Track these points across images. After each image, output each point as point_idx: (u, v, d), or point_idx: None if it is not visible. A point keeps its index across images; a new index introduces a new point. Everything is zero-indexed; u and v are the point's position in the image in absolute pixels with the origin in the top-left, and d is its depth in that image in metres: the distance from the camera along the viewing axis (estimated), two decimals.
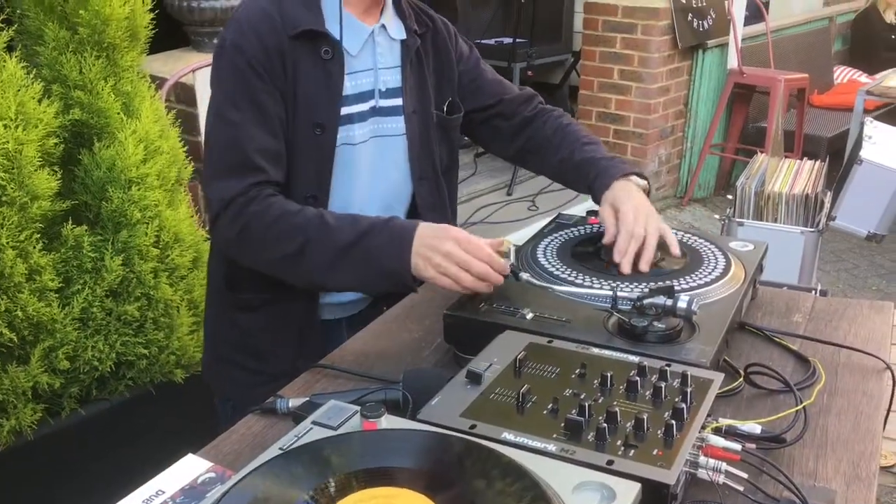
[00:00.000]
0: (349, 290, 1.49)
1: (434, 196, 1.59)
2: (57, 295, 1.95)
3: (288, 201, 1.37)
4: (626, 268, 1.36)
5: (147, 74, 2.25)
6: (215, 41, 3.05)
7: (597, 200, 1.53)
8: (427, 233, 1.30)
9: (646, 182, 1.54)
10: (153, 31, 2.20)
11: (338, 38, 1.39)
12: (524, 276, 1.32)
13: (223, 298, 1.55)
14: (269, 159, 1.37)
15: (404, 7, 1.51)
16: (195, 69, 2.76)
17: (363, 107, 1.45)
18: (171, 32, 3.00)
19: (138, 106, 2.09)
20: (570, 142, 1.61)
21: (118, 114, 2.04)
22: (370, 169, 1.49)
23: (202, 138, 2.91)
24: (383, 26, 1.46)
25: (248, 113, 1.35)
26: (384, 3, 1.47)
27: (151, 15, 2.16)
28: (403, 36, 1.49)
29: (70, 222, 2.00)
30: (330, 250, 1.31)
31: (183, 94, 2.91)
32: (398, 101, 1.49)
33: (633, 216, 1.41)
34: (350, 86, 1.43)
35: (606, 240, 1.43)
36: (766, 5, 5.92)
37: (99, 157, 2.02)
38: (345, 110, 1.42)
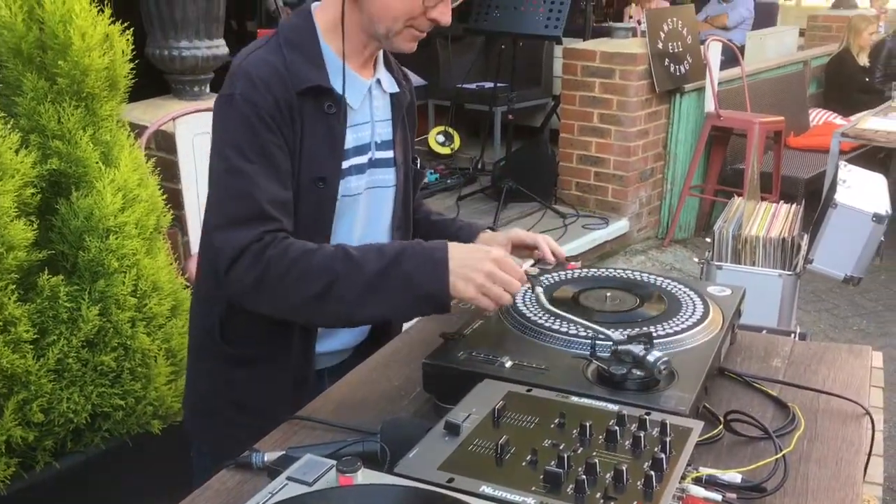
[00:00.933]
0: (378, 321, 1.49)
1: None
2: (32, 346, 1.92)
3: (304, 242, 1.34)
4: (548, 254, 1.55)
5: (127, 123, 2.25)
6: (198, 88, 3.09)
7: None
8: (462, 253, 1.32)
9: None
10: (134, 80, 2.21)
11: (341, 92, 1.42)
12: (538, 289, 1.36)
13: (214, 351, 1.51)
14: (281, 210, 1.36)
15: (391, 61, 1.56)
16: (175, 117, 2.76)
17: (362, 159, 1.48)
18: (152, 80, 3.02)
19: (117, 155, 2.09)
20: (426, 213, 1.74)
21: (97, 163, 2.04)
22: (364, 220, 1.52)
23: (182, 186, 2.92)
24: (378, 80, 1.50)
25: (259, 165, 1.35)
26: (378, 57, 1.50)
27: (132, 64, 2.17)
28: (395, 89, 1.53)
29: (46, 272, 1.98)
30: (360, 283, 1.29)
31: (163, 142, 2.91)
32: (390, 154, 1.53)
33: (519, 234, 1.58)
34: (351, 139, 1.45)
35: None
36: (742, 50, 6.05)
37: (77, 206, 2.01)
38: (345, 163, 1.44)
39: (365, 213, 1.51)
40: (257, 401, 1.49)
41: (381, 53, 1.51)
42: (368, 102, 1.48)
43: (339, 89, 1.42)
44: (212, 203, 1.40)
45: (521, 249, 1.65)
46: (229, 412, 1.53)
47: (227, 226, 1.34)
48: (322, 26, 1.43)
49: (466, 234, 1.67)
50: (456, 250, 1.31)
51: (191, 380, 1.63)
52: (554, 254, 1.59)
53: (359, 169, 1.47)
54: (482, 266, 1.29)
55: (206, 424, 1.59)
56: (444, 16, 1.38)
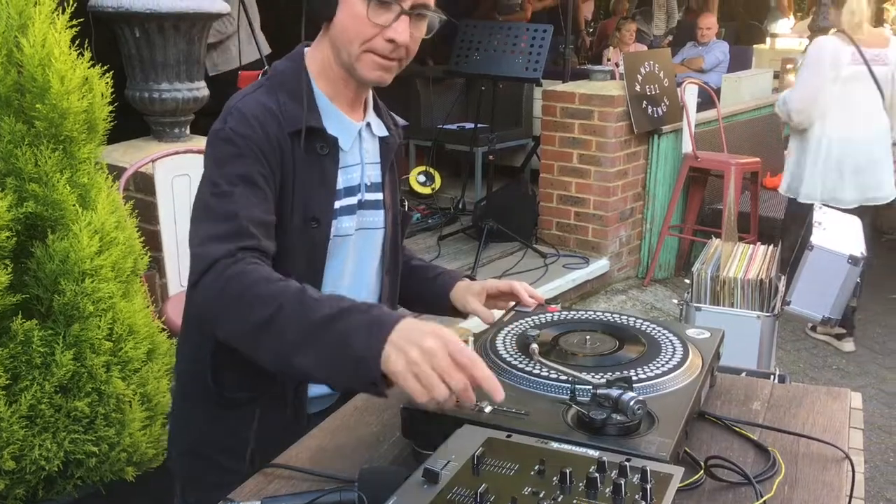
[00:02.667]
0: (313, 378, 1.32)
1: (393, 290, 1.63)
2: (3, 392, 1.89)
3: (272, 271, 1.29)
4: (527, 300, 1.57)
5: (105, 165, 2.24)
6: (178, 130, 3.09)
7: (439, 293, 1.66)
8: (411, 325, 1.12)
9: None
10: (113, 122, 2.20)
11: (333, 133, 1.45)
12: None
13: (205, 395, 1.49)
14: (261, 230, 1.35)
15: (381, 106, 1.59)
16: (155, 159, 2.76)
17: (352, 200, 1.50)
18: (131, 122, 3.02)
19: (94, 197, 2.08)
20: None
21: (73, 205, 2.02)
22: (355, 261, 1.53)
23: (161, 227, 2.91)
24: (368, 124, 1.52)
25: (245, 189, 1.35)
26: (366, 101, 1.53)
27: (111, 107, 2.17)
28: (384, 133, 1.56)
29: (20, 316, 1.95)
30: (303, 323, 1.17)
31: (142, 183, 2.90)
32: (380, 196, 1.55)
33: (493, 283, 1.60)
34: (342, 180, 1.47)
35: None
36: (718, 92, 6.15)
37: (52, 249, 1.99)
38: (337, 204, 1.46)
39: (355, 254, 1.52)
40: (249, 446, 1.47)
41: (370, 98, 1.54)
42: (358, 145, 1.50)
43: (331, 131, 1.44)
44: (194, 226, 1.37)
45: (498, 299, 1.66)
46: (221, 457, 1.50)
47: (206, 241, 1.32)
48: (313, 70, 1.46)
49: (444, 282, 1.69)
50: (411, 321, 1.13)
51: (179, 425, 1.59)
52: (532, 297, 1.59)
53: (349, 210, 1.49)
54: (422, 341, 1.08)
55: (196, 470, 1.55)
56: (400, 34, 1.36)
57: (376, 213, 1.55)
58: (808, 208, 4.08)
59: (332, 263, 1.48)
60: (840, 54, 4.12)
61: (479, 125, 5.56)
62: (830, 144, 4.20)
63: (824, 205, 4.02)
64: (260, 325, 1.20)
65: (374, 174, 1.54)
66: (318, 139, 1.43)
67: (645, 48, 7.79)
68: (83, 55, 2.10)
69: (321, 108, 1.45)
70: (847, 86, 4.14)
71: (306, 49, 1.49)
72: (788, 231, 4.43)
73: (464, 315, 1.68)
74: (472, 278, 1.70)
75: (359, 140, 1.50)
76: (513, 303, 1.63)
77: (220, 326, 1.27)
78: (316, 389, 1.53)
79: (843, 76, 4.13)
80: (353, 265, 1.53)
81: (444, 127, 6.05)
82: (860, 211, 4.12)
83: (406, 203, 1.68)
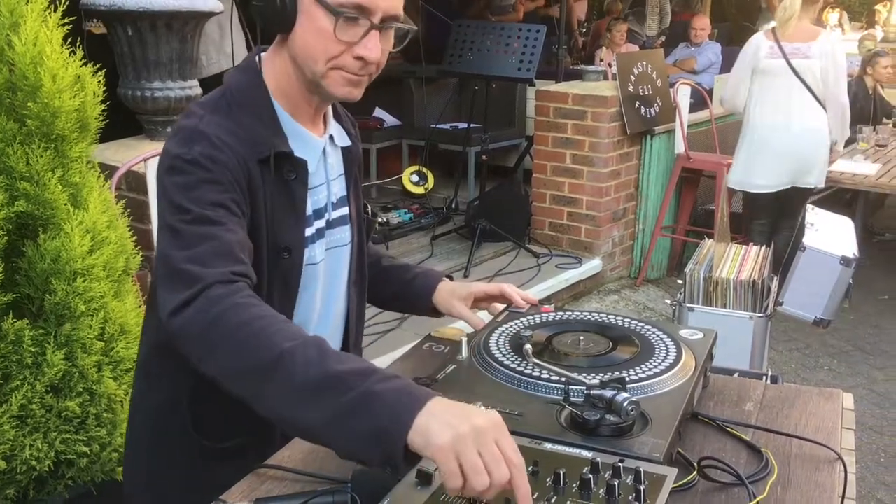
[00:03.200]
0: (313, 437, 1.07)
1: (360, 301, 1.55)
2: None
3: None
4: (519, 301, 1.55)
5: (97, 164, 2.23)
6: (171, 129, 3.07)
7: (418, 296, 1.63)
8: (449, 402, 1.00)
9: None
10: (105, 120, 2.19)
11: (301, 156, 1.33)
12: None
13: (183, 441, 1.34)
14: (248, 255, 1.23)
15: (339, 110, 1.48)
16: (147, 158, 2.75)
17: (321, 223, 1.41)
18: (124, 120, 3.00)
19: (86, 196, 2.07)
20: (374, 254, 1.67)
21: (65, 205, 2.01)
22: (325, 283, 1.44)
23: (153, 226, 2.90)
24: (331, 136, 1.42)
25: (224, 213, 1.21)
26: (328, 111, 1.42)
27: (103, 106, 2.16)
28: (347, 143, 1.46)
29: (11, 316, 1.94)
30: (313, 372, 1.02)
31: (134, 182, 2.89)
32: (346, 210, 1.46)
33: (481, 287, 1.59)
34: (310, 203, 1.37)
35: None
36: (710, 93, 6.17)
37: (43, 248, 1.97)
38: (308, 230, 1.37)
39: (326, 277, 1.43)
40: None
41: (329, 108, 1.43)
42: (323, 161, 1.40)
43: (297, 152, 1.33)
44: (167, 254, 1.19)
45: (484, 301, 1.63)
46: None
47: (191, 261, 1.15)
48: (271, 85, 1.33)
49: (424, 283, 1.62)
50: (444, 401, 0.99)
51: (145, 471, 1.41)
52: (525, 299, 1.58)
53: (319, 234, 1.40)
54: (473, 418, 0.96)
55: None
56: (370, 52, 1.24)
57: (343, 229, 1.46)
58: (747, 196, 4.73)
59: (304, 293, 1.38)
60: (760, 49, 4.56)
61: (472, 125, 5.56)
62: (754, 132, 4.63)
63: (743, 190, 4.66)
64: (261, 367, 1.04)
65: (339, 188, 1.45)
66: (286, 163, 1.31)
67: (637, 48, 7.81)
68: (75, 53, 2.09)
69: (284, 127, 1.33)
70: (766, 78, 4.57)
71: (261, 57, 1.34)
72: (747, 221, 4.88)
73: (439, 315, 1.64)
74: (450, 278, 1.66)
75: (323, 157, 1.40)
76: (503, 305, 1.63)
77: (211, 361, 1.10)
78: None
79: (761, 68, 4.57)
80: (324, 288, 1.44)
81: (437, 126, 6.05)
82: (791, 192, 4.61)
83: (370, 208, 1.57)
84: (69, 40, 2.08)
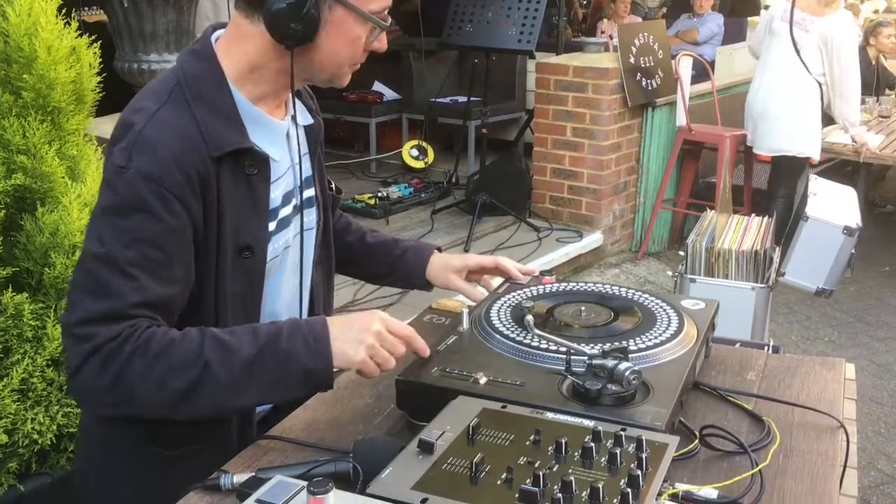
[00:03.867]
0: (253, 407, 1.31)
1: (326, 277, 1.53)
2: None
3: (167, 329, 1.18)
4: (517, 274, 1.57)
5: (94, 137, 2.21)
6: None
7: (416, 271, 1.63)
8: (344, 322, 1.22)
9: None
10: (102, 94, 2.17)
11: (262, 149, 1.27)
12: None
13: (140, 451, 1.31)
14: (158, 310, 1.19)
15: (301, 89, 1.43)
16: None
17: (288, 209, 1.36)
18: (122, 94, 2.98)
19: (84, 169, 2.05)
20: (357, 229, 1.68)
21: (62, 178, 2.00)
22: (292, 269, 1.41)
23: None
24: (293, 116, 1.36)
25: (144, 259, 1.16)
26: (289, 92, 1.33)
27: (99, 78, 2.14)
28: (309, 120, 1.42)
29: (10, 290, 1.93)
30: (235, 367, 1.16)
31: None
32: (312, 192, 1.43)
33: (476, 259, 1.60)
34: (276, 195, 1.32)
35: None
36: (712, 64, 6.12)
37: (42, 222, 1.96)
38: (272, 224, 1.32)
39: (292, 263, 1.41)
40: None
41: None
42: (287, 145, 1.35)
43: (259, 144, 1.27)
44: (74, 292, 1.18)
45: (478, 274, 1.63)
46: None
47: (81, 322, 1.15)
48: (232, 71, 1.25)
49: (413, 258, 1.62)
50: (337, 321, 1.22)
51: (99, 480, 1.37)
52: (523, 271, 1.57)
53: (285, 222, 1.36)
54: (372, 326, 1.21)
55: None
56: (382, 44, 1.30)
57: (310, 211, 1.42)
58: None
59: (267, 286, 1.34)
60: (778, 9, 4.68)
61: (471, 99, 5.52)
62: (750, 92, 4.88)
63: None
64: (188, 389, 1.15)
65: (306, 167, 1.41)
66: (247, 158, 1.25)
67: (639, 20, 7.74)
68: (70, 24, 2.06)
69: (245, 118, 1.26)
70: (772, 38, 4.69)
71: (217, 40, 1.27)
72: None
73: (430, 289, 1.64)
74: (439, 250, 1.65)
75: (287, 140, 1.35)
76: (496, 278, 1.62)
77: (123, 408, 1.17)
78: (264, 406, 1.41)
79: (772, 28, 4.69)
80: (292, 273, 1.41)
81: (437, 101, 6.01)
82: (781, 160, 4.79)
83: (333, 184, 1.53)
84: (63, 11, 2.05)
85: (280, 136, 1.33)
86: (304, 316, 1.47)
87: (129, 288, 1.15)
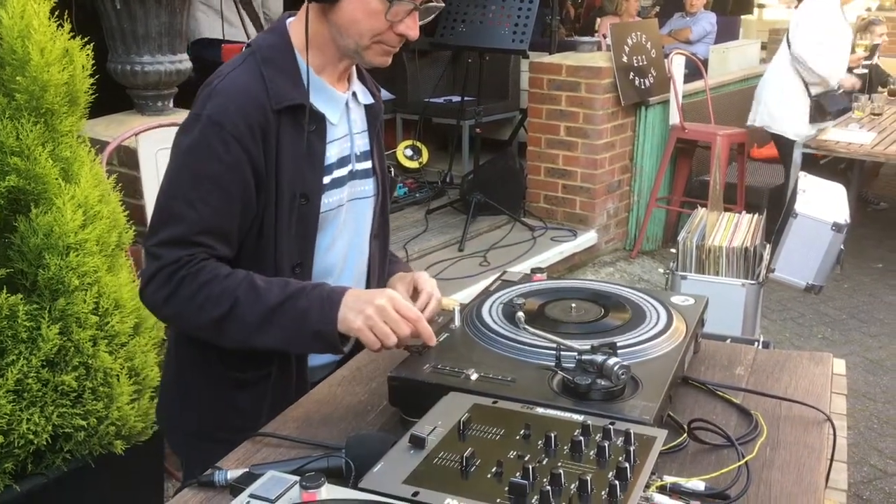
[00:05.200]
0: (275, 351, 1.45)
1: (382, 253, 1.64)
2: None
3: (220, 265, 1.37)
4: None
5: (87, 139, 2.22)
6: (161, 103, 3.06)
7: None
8: (358, 292, 1.35)
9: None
10: (96, 95, 2.18)
11: (320, 109, 1.43)
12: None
13: (212, 376, 1.50)
14: (213, 238, 1.37)
15: (364, 74, 1.58)
16: (138, 133, 2.73)
17: (343, 171, 1.49)
18: (115, 95, 2.98)
19: (77, 171, 2.06)
20: None
21: (56, 179, 2.00)
22: (348, 232, 1.54)
23: (145, 202, 2.89)
24: (354, 93, 1.51)
25: (207, 193, 1.35)
26: (352, 70, 1.51)
27: (92, 80, 2.14)
28: (370, 100, 1.55)
29: (5, 291, 1.94)
30: (259, 311, 1.33)
31: (126, 158, 2.88)
32: (369, 164, 1.55)
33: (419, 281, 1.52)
34: (332, 154, 1.46)
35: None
36: (705, 63, 6.13)
37: (36, 223, 1.97)
38: (327, 178, 1.46)
39: (346, 224, 1.53)
40: (262, 420, 1.40)
41: (354, 66, 1.52)
42: (346, 115, 1.49)
43: (317, 106, 1.42)
44: (154, 217, 1.41)
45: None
46: (230, 435, 1.36)
47: (156, 242, 1.37)
48: (297, 43, 1.43)
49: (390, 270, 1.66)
50: (354, 292, 1.34)
51: (182, 406, 1.57)
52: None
53: (339, 182, 1.49)
54: (374, 299, 1.31)
55: (205, 450, 1.45)
56: (411, 30, 1.38)
57: (366, 181, 1.55)
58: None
59: (322, 237, 1.48)
60: None
61: (465, 98, 5.53)
62: None
63: None
64: (220, 318, 1.34)
65: (362, 143, 1.54)
66: (305, 115, 1.41)
67: (638, 19, 7.74)
68: (63, 27, 2.07)
69: (308, 82, 1.42)
70: None
71: (289, 21, 1.46)
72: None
73: None
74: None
75: (346, 111, 1.49)
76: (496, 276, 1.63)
77: (176, 322, 1.44)
78: (317, 359, 1.53)
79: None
80: (347, 235, 1.53)
81: (431, 100, 6.02)
82: (776, 138, 5.39)
83: (391, 168, 1.69)
84: (56, 13, 2.06)
85: (339, 104, 1.47)
86: (363, 285, 1.59)
87: (192, 218, 1.35)
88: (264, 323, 1.33)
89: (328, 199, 1.47)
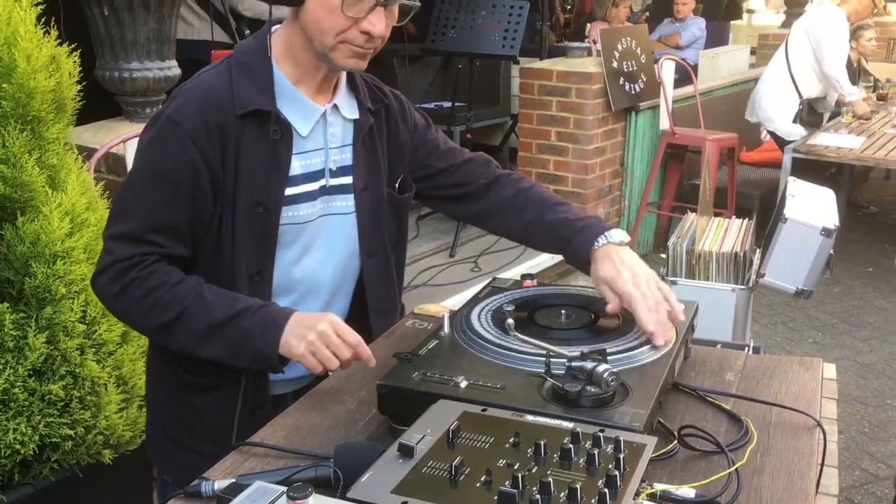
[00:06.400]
0: (220, 361, 1.42)
1: (382, 271, 1.59)
2: None
3: (171, 269, 1.39)
4: (659, 340, 1.31)
5: (74, 146, 2.21)
6: (150, 110, 3.05)
7: (575, 263, 1.51)
8: (301, 317, 1.36)
9: (626, 235, 1.47)
10: (83, 102, 2.17)
11: (289, 119, 1.41)
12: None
13: (174, 379, 1.51)
14: (167, 236, 1.38)
15: (358, 83, 1.52)
16: (125, 140, 2.72)
17: (312, 186, 1.45)
18: (102, 102, 2.97)
19: (64, 178, 2.05)
20: (537, 204, 1.56)
21: (43, 187, 1.99)
22: (321, 247, 1.50)
23: None
24: (335, 106, 1.47)
25: (157, 188, 1.37)
26: (337, 82, 1.47)
27: (79, 87, 2.13)
28: (356, 115, 1.50)
29: None
30: (204, 324, 1.35)
31: (113, 165, 2.86)
32: (349, 180, 1.50)
33: (634, 286, 1.37)
34: (298, 165, 1.43)
35: (610, 309, 1.40)
36: (695, 68, 6.16)
37: (22, 231, 1.96)
38: (291, 190, 1.42)
39: (320, 240, 1.49)
40: (217, 429, 1.44)
41: (343, 78, 1.49)
42: (322, 129, 1.45)
43: (287, 115, 1.40)
44: (112, 209, 1.44)
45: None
46: (192, 442, 1.50)
47: (111, 236, 1.40)
48: (276, 51, 1.41)
49: (579, 249, 1.47)
50: (298, 316, 1.36)
51: (152, 408, 1.61)
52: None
53: (309, 196, 1.45)
54: (316, 325, 1.32)
55: (170, 454, 1.56)
56: (374, 27, 1.34)
57: (344, 197, 1.50)
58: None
59: (286, 251, 1.45)
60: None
61: (456, 104, 5.53)
62: None
63: None
64: (167, 324, 1.37)
65: (341, 158, 1.48)
66: (271, 122, 1.39)
67: (628, 24, 7.76)
68: (49, 34, 2.06)
69: (280, 91, 1.40)
70: None
71: (275, 28, 1.44)
72: None
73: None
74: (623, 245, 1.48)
75: (323, 124, 1.45)
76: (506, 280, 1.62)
77: (124, 320, 1.47)
78: (291, 371, 1.49)
79: None
80: (320, 252, 1.50)
81: (422, 106, 6.02)
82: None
83: (400, 181, 1.59)
84: (43, 20, 2.05)
85: (312, 116, 1.44)
86: (348, 302, 1.59)
87: (142, 213, 1.37)
88: (208, 336, 1.36)
89: (293, 213, 1.44)
